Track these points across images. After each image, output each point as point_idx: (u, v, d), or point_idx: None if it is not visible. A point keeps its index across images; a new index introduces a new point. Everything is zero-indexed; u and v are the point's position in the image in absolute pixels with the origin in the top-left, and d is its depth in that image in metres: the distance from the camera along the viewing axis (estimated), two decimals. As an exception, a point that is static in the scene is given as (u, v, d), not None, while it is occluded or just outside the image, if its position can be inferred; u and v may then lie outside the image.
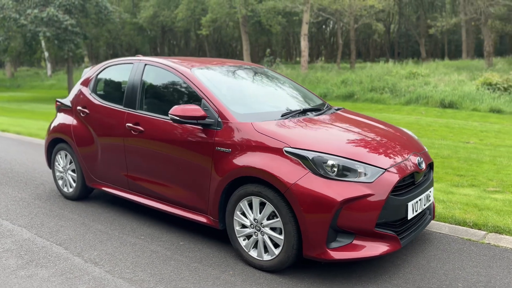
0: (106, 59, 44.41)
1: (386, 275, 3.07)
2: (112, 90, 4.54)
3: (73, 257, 3.45)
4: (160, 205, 3.91)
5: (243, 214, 3.24)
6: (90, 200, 4.87)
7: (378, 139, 3.37)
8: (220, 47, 49.44)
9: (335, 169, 2.89)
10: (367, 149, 3.14)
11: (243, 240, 3.28)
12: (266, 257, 3.13)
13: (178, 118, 3.40)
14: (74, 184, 4.81)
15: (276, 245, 3.09)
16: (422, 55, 42.58)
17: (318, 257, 2.89)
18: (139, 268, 3.25)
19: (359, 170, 2.90)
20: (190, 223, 4.06)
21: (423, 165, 3.30)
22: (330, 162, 2.89)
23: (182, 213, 3.71)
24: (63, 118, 4.85)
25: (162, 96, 4.06)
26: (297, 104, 4.04)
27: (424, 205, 3.30)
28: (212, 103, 3.48)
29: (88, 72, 4.80)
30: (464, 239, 3.69)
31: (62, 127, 4.78)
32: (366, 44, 56.55)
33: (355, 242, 2.90)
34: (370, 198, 2.84)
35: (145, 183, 3.99)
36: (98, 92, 4.60)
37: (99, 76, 4.65)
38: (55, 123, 4.94)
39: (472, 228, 3.89)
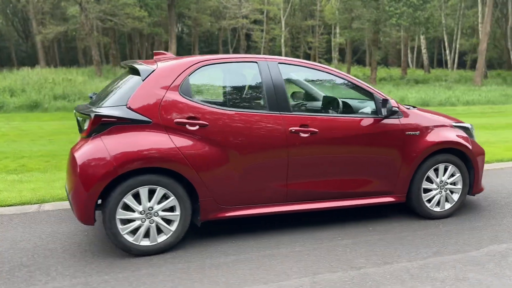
0: None
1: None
2: (232, 93, 3.67)
3: (367, 268, 3.20)
4: (332, 204, 3.92)
5: (427, 180, 4.18)
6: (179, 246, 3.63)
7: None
8: None
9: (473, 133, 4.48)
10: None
11: (427, 202, 4.20)
12: (448, 206, 4.28)
13: (397, 110, 3.84)
14: (172, 228, 3.44)
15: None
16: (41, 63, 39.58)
17: (478, 192, 4.42)
18: (421, 250, 3.57)
19: (473, 132, 4.61)
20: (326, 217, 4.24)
21: None
22: (471, 128, 4.45)
23: (364, 201, 4.01)
24: (141, 139, 3.31)
25: (328, 95, 3.93)
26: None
27: None
28: (385, 96, 4.06)
29: (164, 72, 3.48)
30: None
31: (152, 153, 3.28)
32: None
33: (478, 178, 4.61)
34: None
35: (314, 187, 3.82)
36: (203, 98, 3.57)
37: (193, 78, 3.57)
38: (120, 149, 3.23)
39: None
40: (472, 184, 4.37)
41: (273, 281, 3.03)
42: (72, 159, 3.33)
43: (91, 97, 3.96)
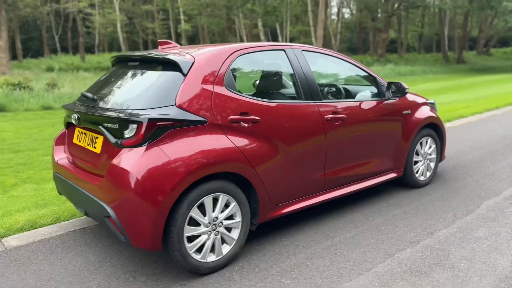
0: None
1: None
2: (270, 84, 3.40)
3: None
4: (354, 187, 4.03)
5: (415, 154, 4.63)
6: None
7: None
8: None
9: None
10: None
11: (416, 173, 4.65)
12: (428, 174, 4.81)
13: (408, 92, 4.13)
14: (234, 237, 3.08)
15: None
16: None
17: (443, 160, 5.07)
18: (442, 215, 3.95)
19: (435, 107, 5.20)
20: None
21: None
22: (435, 104, 5.06)
23: (376, 181, 4.23)
24: (203, 143, 2.85)
25: (346, 82, 3.91)
26: None
27: None
28: (383, 80, 4.31)
29: (205, 64, 3.02)
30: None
31: (219, 157, 2.87)
32: None
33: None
34: None
35: (343, 172, 3.86)
36: (246, 91, 3.26)
37: (233, 69, 3.20)
38: (185, 156, 2.73)
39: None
40: (441, 152, 5.00)
41: (364, 270, 2.99)
42: (122, 173, 2.67)
43: (93, 98, 3.20)
